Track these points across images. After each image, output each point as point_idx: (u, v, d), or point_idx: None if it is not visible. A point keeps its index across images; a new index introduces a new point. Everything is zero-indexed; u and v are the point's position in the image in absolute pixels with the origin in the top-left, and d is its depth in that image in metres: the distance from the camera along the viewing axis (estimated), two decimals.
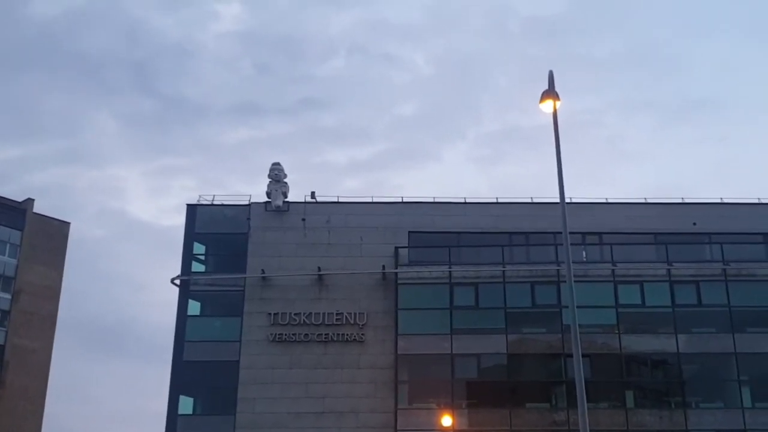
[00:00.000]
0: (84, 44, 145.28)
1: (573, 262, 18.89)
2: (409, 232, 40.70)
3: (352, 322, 38.88)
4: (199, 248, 41.72)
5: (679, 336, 37.79)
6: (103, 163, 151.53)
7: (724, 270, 38.88)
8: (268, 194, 41.25)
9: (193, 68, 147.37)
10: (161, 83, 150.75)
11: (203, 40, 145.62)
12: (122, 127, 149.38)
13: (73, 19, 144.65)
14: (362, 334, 38.69)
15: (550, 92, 19.42)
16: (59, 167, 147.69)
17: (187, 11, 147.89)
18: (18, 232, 67.45)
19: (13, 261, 66.88)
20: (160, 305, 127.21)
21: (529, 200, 41.62)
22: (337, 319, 38.95)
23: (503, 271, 38.92)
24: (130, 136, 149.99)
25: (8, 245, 66.99)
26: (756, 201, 41.81)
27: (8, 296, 65.99)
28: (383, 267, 39.49)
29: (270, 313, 39.06)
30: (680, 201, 42.40)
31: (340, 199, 42.12)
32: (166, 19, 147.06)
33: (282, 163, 41.85)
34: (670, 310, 38.40)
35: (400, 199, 42.18)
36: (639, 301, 38.74)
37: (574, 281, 18.24)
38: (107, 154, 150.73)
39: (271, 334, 38.74)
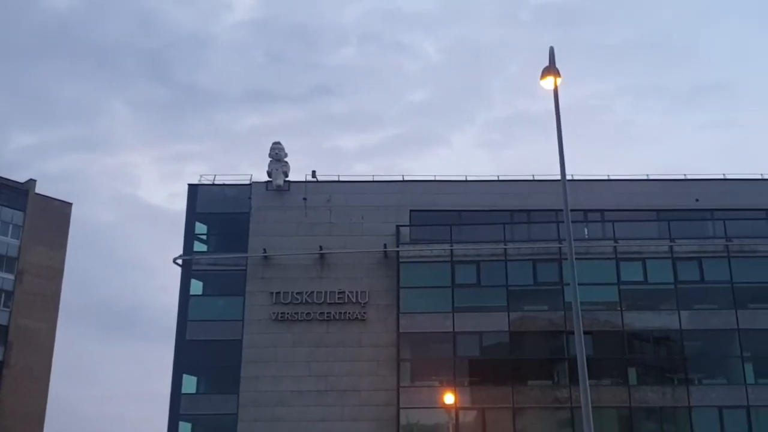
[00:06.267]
0: (99, 33, 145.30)
1: (574, 240, 18.84)
2: (411, 210, 40.65)
3: (353, 300, 38.93)
4: (200, 228, 41.71)
5: (682, 313, 37.75)
6: (117, 149, 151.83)
7: (727, 246, 38.76)
8: (269, 173, 41.15)
9: (206, 57, 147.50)
10: (175, 71, 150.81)
11: (217, 29, 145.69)
12: (136, 115, 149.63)
13: (89, 8, 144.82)
14: (364, 313, 38.74)
15: (551, 69, 19.16)
16: (74, 154, 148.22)
17: (201, 1, 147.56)
18: (20, 213, 67.44)
19: (16, 241, 66.91)
20: (167, 287, 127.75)
21: (531, 178, 41.50)
22: (338, 297, 38.98)
23: (505, 248, 38.85)
24: (143, 123, 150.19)
25: (11, 226, 67.00)
26: (759, 177, 41.60)
27: (11, 277, 66.09)
28: (385, 245, 39.46)
29: (272, 292, 39.12)
30: (682, 177, 42.21)
31: (341, 178, 42.03)
32: (181, 8, 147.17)
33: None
34: (673, 286, 38.36)
35: (401, 178, 42.10)
36: (641, 278, 38.69)
37: (576, 258, 18.13)
38: (121, 141, 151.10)
39: (274, 313, 38.82)
